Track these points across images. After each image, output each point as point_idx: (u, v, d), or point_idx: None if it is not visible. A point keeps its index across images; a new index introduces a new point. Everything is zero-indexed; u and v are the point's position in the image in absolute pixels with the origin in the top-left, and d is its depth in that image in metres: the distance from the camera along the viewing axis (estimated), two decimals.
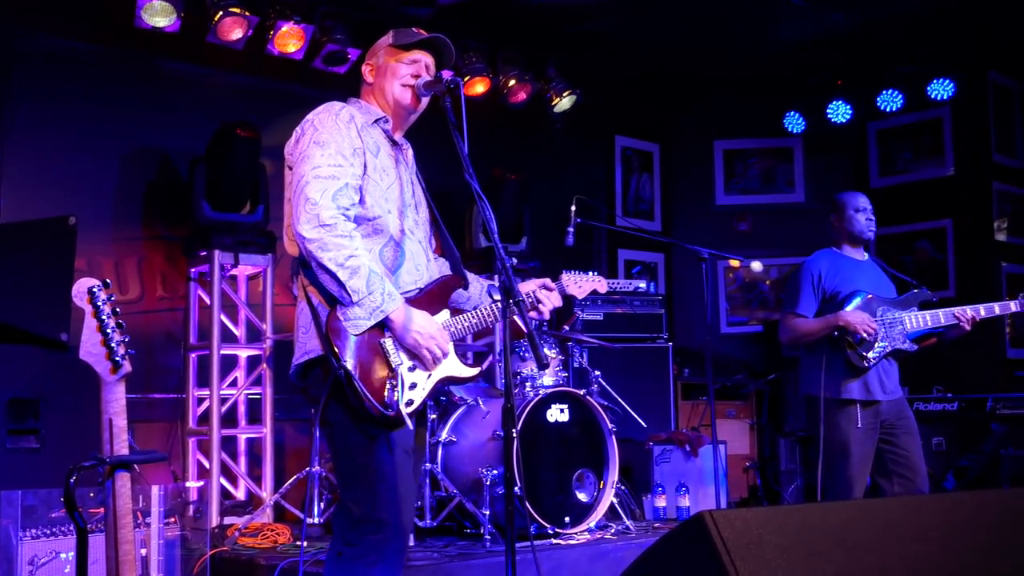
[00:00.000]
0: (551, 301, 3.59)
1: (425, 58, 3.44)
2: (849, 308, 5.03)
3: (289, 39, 6.65)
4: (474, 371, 3.46)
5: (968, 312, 5.03)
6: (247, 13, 6.37)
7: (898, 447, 5.06)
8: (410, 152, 3.54)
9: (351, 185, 3.19)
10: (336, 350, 3.10)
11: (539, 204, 7.53)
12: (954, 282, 8.40)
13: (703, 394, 7.91)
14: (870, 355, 4.97)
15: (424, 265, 3.39)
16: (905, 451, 5.07)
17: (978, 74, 8.41)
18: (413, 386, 3.23)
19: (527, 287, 3.57)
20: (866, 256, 5.34)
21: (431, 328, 3.23)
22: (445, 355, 3.31)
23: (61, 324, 4.01)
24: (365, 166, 3.26)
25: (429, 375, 3.27)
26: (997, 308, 5.08)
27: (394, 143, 3.42)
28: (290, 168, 3.30)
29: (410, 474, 3.23)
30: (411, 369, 3.24)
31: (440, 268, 3.55)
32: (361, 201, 3.24)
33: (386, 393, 3.14)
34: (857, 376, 5.00)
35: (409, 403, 3.21)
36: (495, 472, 5.46)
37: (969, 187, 8.52)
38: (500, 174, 7.20)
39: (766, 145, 9.24)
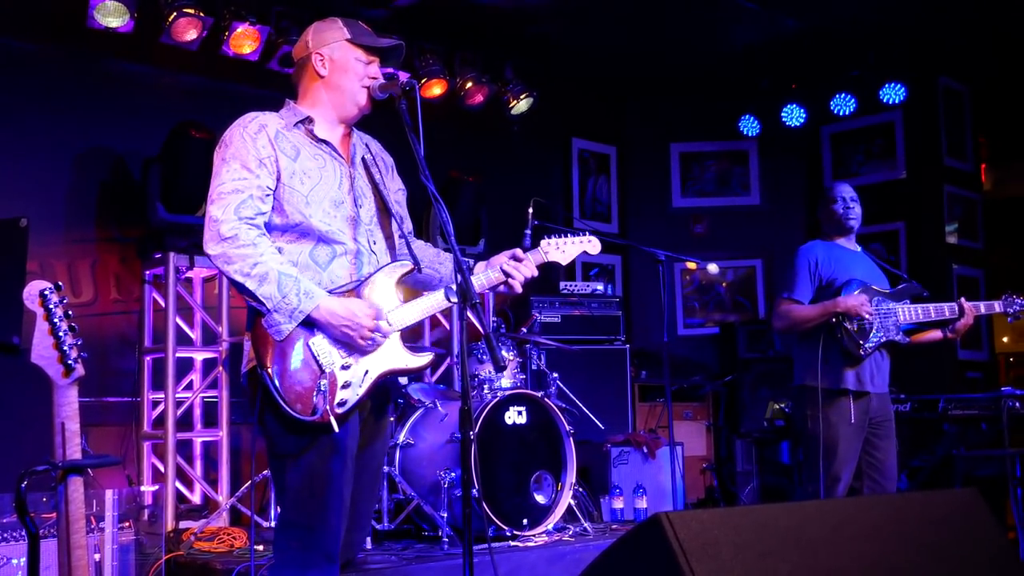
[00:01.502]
0: (522, 272, 3.41)
1: (376, 59, 3.42)
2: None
3: (244, 40, 6.60)
4: (422, 360, 3.31)
5: (969, 305, 5.07)
6: (201, 14, 6.33)
7: (877, 449, 5.08)
8: (357, 141, 3.47)
9: (256, 196, 3.14)
10: (262, 358, 3.06)
11: (496, 206, 7.54)
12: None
13: (660, 396, 7.96)
14: (866, 344, 4.97)
15: (367, 257, 3.31)
16: (882, 455, 5.09)
17: (929, 79, 8.53)
18: (347, 385, 3.13)
19: (496, 260, 3.46)
20: (859, 248, 5.33)
21: (360, 315, 3.13)
22: (385, 336, 3.21)
23: (12, 327, 3.98)
24: (280, 175, 3.21)
25: (366, 372, 3.17)
26: (983, 307, 5.15)
27: (322, 141, 3.34)
28: None
29: (348, 479, 3.15)
30: (345, 368, 3.14)
31: (400, 258, 3.46)
32: (280, 210, 3.20)
33: (314, 397, 3.06)
34: (852, 366, 4.99)
35: (342, 404, 3.10)
36: (453, 474, 5.45)
37: (921, 190, 8.63)
38: (457, 176, 7.20)
39: (722, 148, 9.31)
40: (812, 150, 9.23)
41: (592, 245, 3.68)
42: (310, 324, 3.11)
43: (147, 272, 6.23)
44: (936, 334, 5.24)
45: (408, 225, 3.57)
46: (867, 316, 4.94)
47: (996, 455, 6.50)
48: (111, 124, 6.41)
